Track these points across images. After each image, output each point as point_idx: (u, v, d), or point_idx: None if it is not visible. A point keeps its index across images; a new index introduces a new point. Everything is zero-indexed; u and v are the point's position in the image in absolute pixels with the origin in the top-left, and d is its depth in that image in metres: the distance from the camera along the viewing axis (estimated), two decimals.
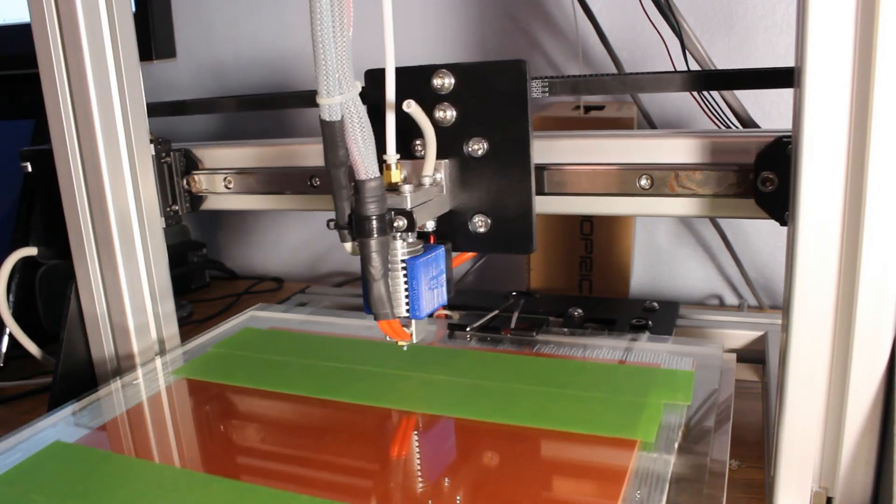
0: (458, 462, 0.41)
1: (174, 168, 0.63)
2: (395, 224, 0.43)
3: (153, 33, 0.74)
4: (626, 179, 0.51)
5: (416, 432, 0.45)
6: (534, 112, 0.55)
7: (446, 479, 0.39)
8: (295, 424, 0.48)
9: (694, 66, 0.65)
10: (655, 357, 0.53)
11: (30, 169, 0.62)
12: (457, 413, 0.46)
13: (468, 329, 0.60)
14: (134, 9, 0.71)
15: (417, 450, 0.43)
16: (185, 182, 0.65)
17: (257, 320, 0.66)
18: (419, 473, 0.40)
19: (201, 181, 0.65)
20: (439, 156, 0.48)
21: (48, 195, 0.59)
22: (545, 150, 0.53)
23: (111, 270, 0.57)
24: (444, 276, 0.48)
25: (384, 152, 0.44)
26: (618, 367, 0.52)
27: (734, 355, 0.54)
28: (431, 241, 0.49)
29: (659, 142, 0.51)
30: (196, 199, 0.66)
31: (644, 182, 0.50)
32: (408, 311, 0.46)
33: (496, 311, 0.63)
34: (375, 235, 0.42)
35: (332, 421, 0.47)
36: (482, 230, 0.51)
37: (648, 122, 0.80)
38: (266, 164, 0.63)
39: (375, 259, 0.43)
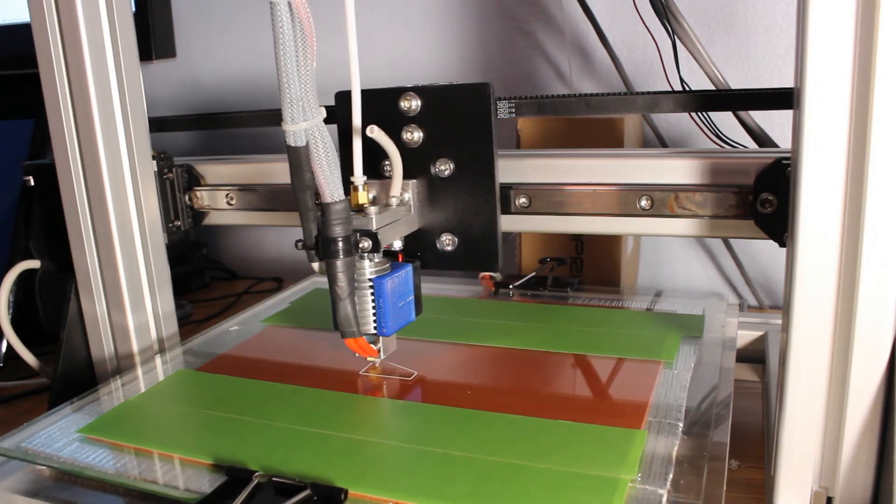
0: (520, 377, 0.50)
1: (176, 184, 0.63)
2: (361, 245, 0.44)
3: (153, 33, 0.74)
4: (627, 200, 0.52)
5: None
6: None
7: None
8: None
9: (694, 68, 0.65)
10: (673, 307, 0.63)
11: (32, 183, 0.62)
12: (513, 345, 0.54)
13: (511, 286, 0.68)
14: (134, 9, 0.71)
15: (488, 370, 0.52)
16: (187, 198, 0.65)
17: (320, 283, 0.75)
18: (491, 385, 0.49)
19: (203, 197, 0.65)
20: (407, 176, 0.49)
21: (50, 209, 0.59)
22: (546, 169, 0.54)
23: (111, 271, 0.57)
24: (412, 294, 0.49)
25: (353, 174, 0.45)
26: (643, 312, 0.62)
27: (737, 305, 0.61)
28: (399, 260, 0.50)
29: (659, 162, 0.51)
30: (198, 215, 0.66)
31: (644, 203, 0.51)
32: (375, 328, 0.47)
33: (534, 273, 0.69)
34: (341, 256, 0.43)
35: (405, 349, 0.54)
36: (449, 248, 0.52)
37: (647, 121, 0.81)
38: (268, 180, 0.63)
39: (341, 279, 0.44)
